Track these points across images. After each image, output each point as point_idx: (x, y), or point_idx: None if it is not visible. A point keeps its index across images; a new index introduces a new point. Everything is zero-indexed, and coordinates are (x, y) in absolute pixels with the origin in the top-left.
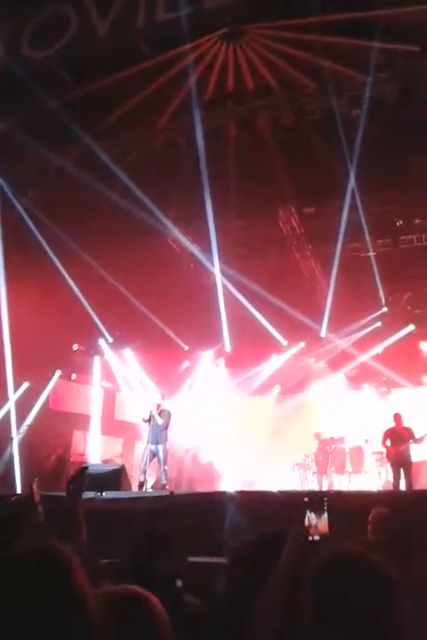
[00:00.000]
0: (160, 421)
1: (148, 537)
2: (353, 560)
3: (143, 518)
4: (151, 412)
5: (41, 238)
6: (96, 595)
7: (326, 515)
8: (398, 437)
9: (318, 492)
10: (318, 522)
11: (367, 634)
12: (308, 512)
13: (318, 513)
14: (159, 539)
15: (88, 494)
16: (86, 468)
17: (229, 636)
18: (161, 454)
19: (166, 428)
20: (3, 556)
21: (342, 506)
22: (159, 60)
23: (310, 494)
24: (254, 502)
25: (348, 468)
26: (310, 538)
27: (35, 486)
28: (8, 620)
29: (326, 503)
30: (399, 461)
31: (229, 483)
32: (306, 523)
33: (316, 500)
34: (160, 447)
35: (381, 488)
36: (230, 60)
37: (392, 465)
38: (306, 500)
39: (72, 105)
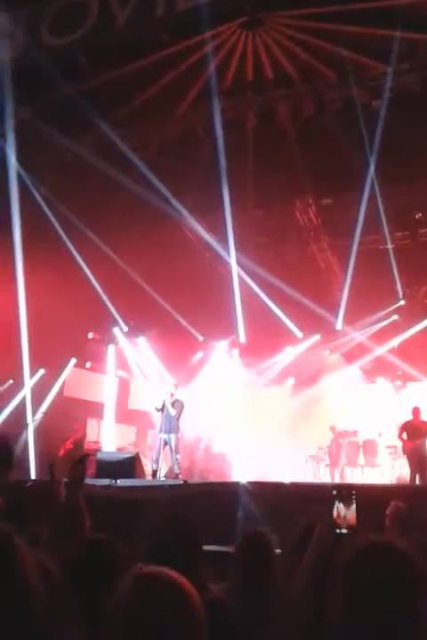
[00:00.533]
0: (173, 412)
1: (174, 526)
2: (386, 551)
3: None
4: (164, 401)
5: (58, 226)
6: (130, 574)
7: (354, 507)
8: (416, 431)
9: (345, 484)
10: (346, 514)
11: (400, 625)
12: (337, 503)
13: (347, 505)
14: (186, 528)
15: (103, 482)
16: (87, 456)
17: (254, 624)
18: (173, 443)
19: (179, 417)
20: None
21: (368, 499)
22: (178, 49)
23: (338, 486)
24: (267, 493)
25: (361, 461)
26: (339, 531)
27: (53, 470)
28: None
29: (354, 495)
30: (416, 455)
31: (242, 474)
32: (334, 515)
33: (344, 493)
34: (172, 436)
35: (394, 482)
36: (250, 49)
37: (409, 459)
38: (335, 492)
39: (91, 93)
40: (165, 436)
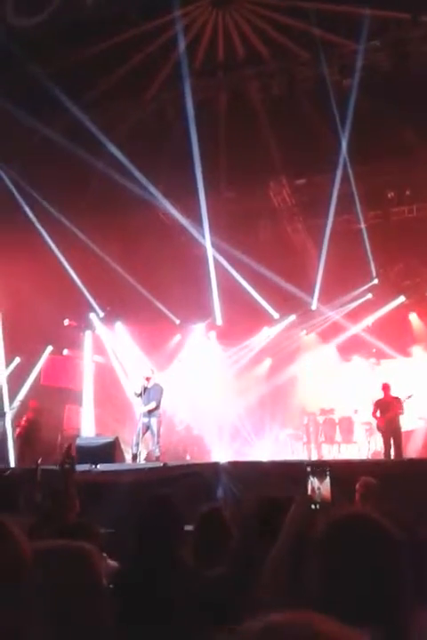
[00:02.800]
0: (152, 395)
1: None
2: (360, 520)
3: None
4: (143, 386)
5: (30, 211)
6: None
7: (328, 481)
8: (388, 407)
9: (319, 460)
10: (320, 488)
11: (375, 593)
12: (311, 478)
13: (321, 479)
14: (168, 509)
15: (83, 467)
16: (70, 445)
17: (237, 598)
18: (154, 427)
19: (159, 401)
20: None
21: (341, 474)
22: (148, 29)
23: (312, 463)
24: (246, 472)
25: (338, 438)
26: (314, 505)
27: (39, 464)
28: None
29: (328, 470)
30: (389, 431)
31: (221, 454)
32: (309, 489)
33: (318, 468)
34: (153, 420)
35: (370, 457)
36: (220, 27)
37: (383, 434)
38: (309, 468)
39: (59, 74)
40: (146, 420)
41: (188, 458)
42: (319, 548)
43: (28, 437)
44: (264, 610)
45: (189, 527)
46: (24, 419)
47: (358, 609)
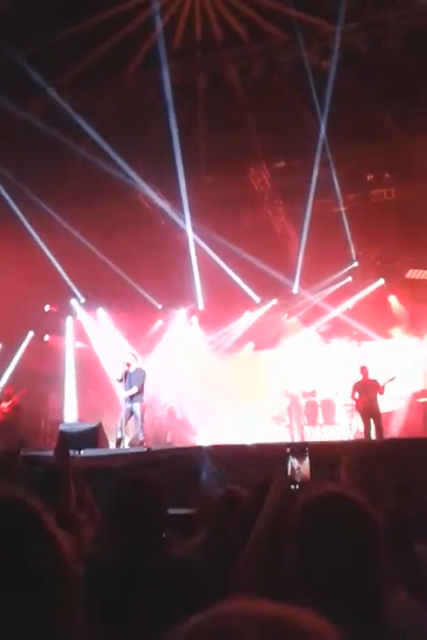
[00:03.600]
0: (134, 380)
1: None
2: (336, 499)
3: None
4: (124, 371)
5: (8, 197)
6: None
7: (307, 461)
8: (366, 389)
9: (299, 442)
10: (300, 468)
11: (351, 569)
12: (290, 459)
13: (300, 460)
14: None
15: None
16: (63, 432)
17: (215, 581)
18: (138, 412)
19: (142, 386)
20: None
21: (321, 454)
22: (124, 9)
23: (292, 444)
24: (229, 455)
25: (320, 420)
26: (293, 485)
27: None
28: None
29: (307, 451)
30: (368, 412)
31: (205, 438)
32: (289, 470)
33: (298, 449)
34: (136, 405)
35: (351, 438)
36: (197, 8)
37: (362, 416)
38: (288, 449)
39: (35, 56)
40: (129, 406)
41: (168, 440)
42: (296, 528)
43: (11, 423)
44: (243, 590)
45: (174, 511)
46: (8, 404)
47: (334, 588)
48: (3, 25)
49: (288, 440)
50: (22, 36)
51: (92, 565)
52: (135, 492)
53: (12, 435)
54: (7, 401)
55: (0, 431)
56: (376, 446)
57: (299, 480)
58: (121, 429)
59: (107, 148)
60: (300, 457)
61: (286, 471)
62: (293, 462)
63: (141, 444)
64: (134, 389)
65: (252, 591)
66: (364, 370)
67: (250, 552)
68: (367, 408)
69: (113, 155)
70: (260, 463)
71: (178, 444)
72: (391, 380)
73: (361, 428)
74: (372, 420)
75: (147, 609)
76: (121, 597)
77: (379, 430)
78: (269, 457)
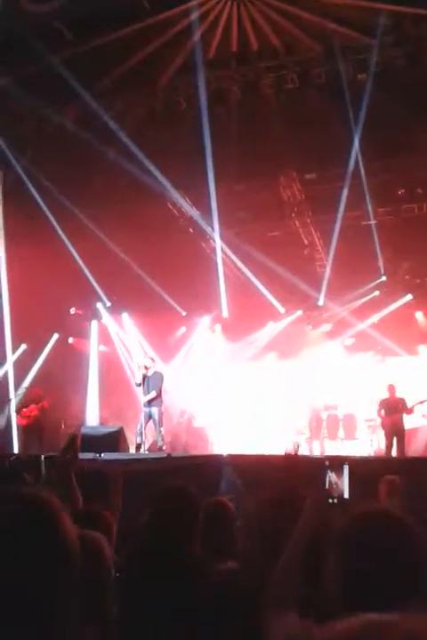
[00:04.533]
0: (152, 384)
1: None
2: (382, 517)
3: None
4: (144, 375)
5: (40, 199)
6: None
7: (346, 476)
8: (393, 407)
9: (337, 456)
10: (338, 483)
11: (397, 588)
12: (329, 473)
13: (339, 474)
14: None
15: (87, 455)
16: (76, 435)
17: (252, 595)
18: (156, 417)
19: (160, 390)
20: None
21: (360, 470)
22: (162, 18)
23: (331, 458)
24: (249, 465)
25: (340, 434)
26: (331, 500)
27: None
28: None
29: (346, 466)
30: (393, 430)
31: (224, 447)
32: (327, 485)
33: (336, 463)
34: (155, 410)
35: (372, 454)
36: (235, 19)
37: (387, 434)
38: (327, 463)
39: (72, 62)
40: (147, 410)
41: (190, 449)
42: (339, 545)
43: (37, 427)
44: (278, 608)
45: None
46: (37, 406)
47: (377, 606)
48: (43, 31)
49: (307, 453)
50: (62, 43)
51: (124, 570)
52: (167, 499)
53: (37, 438)
54: (37, 403)
55: (27, 434)
56: (414, 464)
57: (336, 495)
58: (141, 434)
59: (138, 153)
60: (338, 471)
61: (324, 485)
62: (331, 476)
63: (160, 449)
64: (152, 394)
65: (290, 606)
66: (391, 388)
67: (285, 566)
68: (393, 426)
69: (144, 160)
70: (280, 476)
71: (197, 452)
72: (422, 402)
73: (382, 444)
74: (395, 439)
75: (173, 615)
76: (149, 602)
77: (401, 449)
78: (293, 469)
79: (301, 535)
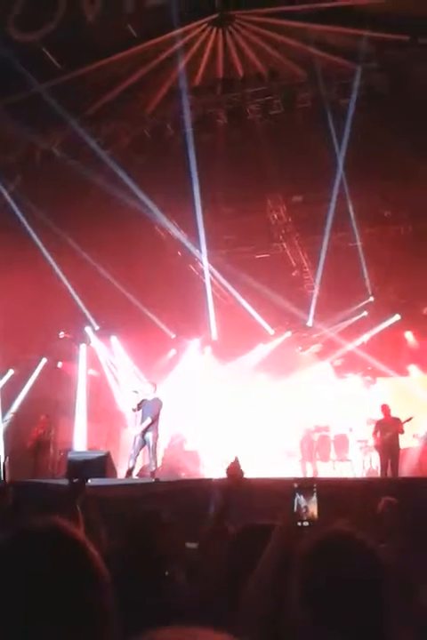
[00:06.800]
0: (147, 410)
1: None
2: (343, 542)
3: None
4: (141, 400)
5: (27, 224)
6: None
7: (315, 499)
8: (387, 428)
9: (307, 478)
10: (307, 506)
11: (358, 612)
12: (297, 495)
13: (308, 497)
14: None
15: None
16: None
17: (220, 617)
18: (151, 442)
19: (155, 417)
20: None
21: (331, 492)
22: (148, 46)
23: (299, 480)
24: (239, 489)
25: (332, 456)
26: (300, 523)
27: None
28: (30, 593)
29: (315, 488)
30: (388, 451)
31: (214, 470)
32: (295, 507)
33: (305, 486)
34: (149, 435)
35: (365, 475)
36: (220, 46)
37: (381, 454)
38: (295, 485)
39: (60, 89)
40: (142, 436)
41: (180, 473)
42: (300, 568)
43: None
44: (247, 628)
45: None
46: (39, 427)
47: (337, 632)
48: (31, 58)
49: (300, 474)
50: (49, 70)
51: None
52: (138, 525)
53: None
54: (42, 428)
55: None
56: (395, 485)
57: (305, 518)
58: (133, 459)
59: (125, 177)
60: (307, 494)
61: (292, 508)
62: (299, 499)
63: (152, 474)
64: (148, 421)
65: (255, 630)
66: (385, 408)
67: (253, 591)
68: (388, 446)
69: (131, 184)
70: (267, 498)
71: (187, 476)
72: (410, 419)
73: (375, 465)
74: (389, 459)
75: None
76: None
77: (395, 469)
78: (278, 493)
79: (268, 560)
